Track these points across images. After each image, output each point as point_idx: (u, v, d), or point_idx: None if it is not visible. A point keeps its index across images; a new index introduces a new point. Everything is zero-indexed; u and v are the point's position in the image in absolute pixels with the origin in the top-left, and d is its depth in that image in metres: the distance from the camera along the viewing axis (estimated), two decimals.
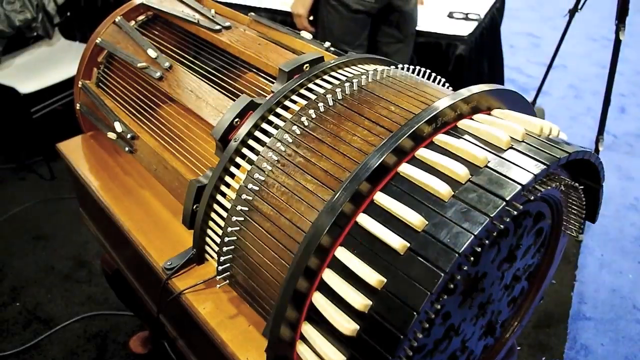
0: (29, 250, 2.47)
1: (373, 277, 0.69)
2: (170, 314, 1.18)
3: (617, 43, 2.27)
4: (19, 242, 2.50)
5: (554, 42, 3.01)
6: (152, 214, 1.19)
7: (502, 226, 0.71)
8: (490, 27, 2.59)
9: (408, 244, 0.69)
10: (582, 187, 0.91)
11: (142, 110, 1.21)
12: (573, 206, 0.98)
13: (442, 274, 0.66)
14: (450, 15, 2.54)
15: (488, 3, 2.74)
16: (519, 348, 1.99)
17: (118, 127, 1.18)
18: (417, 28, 2.33)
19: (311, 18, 2.27)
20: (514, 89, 0.91)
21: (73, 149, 1.40)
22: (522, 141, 0.79)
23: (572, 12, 2.71)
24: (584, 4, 2.62)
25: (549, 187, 0.79)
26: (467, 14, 2.53)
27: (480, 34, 2.44)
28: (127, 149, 1.18)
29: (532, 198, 0.76)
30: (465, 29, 2.40)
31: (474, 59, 2.36)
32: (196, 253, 0.99)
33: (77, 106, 1.37)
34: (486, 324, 0.99)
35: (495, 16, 2.69)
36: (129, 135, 1.16)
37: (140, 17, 1.35)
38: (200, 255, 0.99)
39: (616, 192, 2.73)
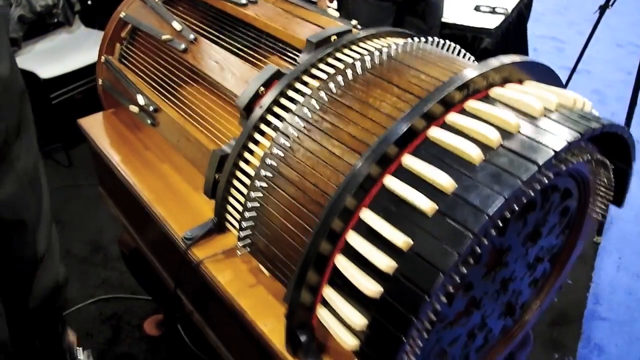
0: None
1: (400, 239, 0.69)
2: (187, 287, 1.18)
3: None
4: None
5: (578, 46, 2.98)
6: (172, 186, 1.19)
7: (532, 193, 0.70)
8: (516, 22, 2.57)
9: (436, 206, 0.68)
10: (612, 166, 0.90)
11: (164, 84, 1.21)
12: (600, 187, 0.96)
13: (471, 236, 0.65)
14: (477, 9, 2.52)
15: None
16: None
17: (140, 99, 1.18)
18: (443, 20, 2.32)
19: (334, 4, 2.29)
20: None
21: (94, 125, 1.40)
22: (555, 111, 0.78)
23: (603, 9, 2.65)
24: (615, 1, 2.57)
25: (580, 160, 0.77)
26: (494, 8, 2.51)
27: (506, 29, 2.42)
28: (149, 121, 1.18)
29: (564, 168, 0.75)
30: (491, 22, 2.38)
31: (500, 53, 2.33)
32: (217, 221, 0.98)
33: (99, 81, 1.37)
34: (506, 303, 0.98)
35: (522, 12, 2.66)
36: (151, 108, 1.16)
37: None
38: (220, 224, 0.99)
39: (637, 196, 2.70)
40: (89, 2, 2.95)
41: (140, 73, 1.27)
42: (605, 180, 0.93)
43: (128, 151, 1.30)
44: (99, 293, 2.20)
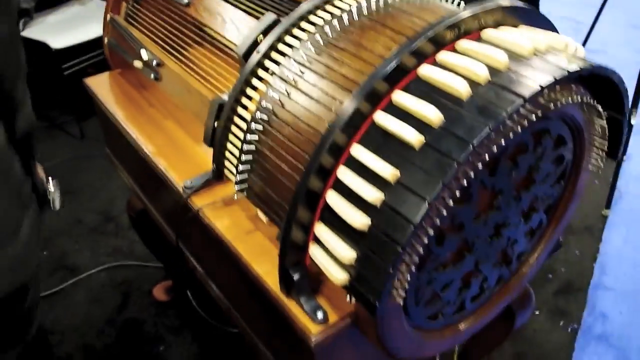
0: None
1: (387, 171, 0.70)
2: (189, 240, 1.20)
3: None
4: None
5: (596, 27, 2.94)
6: (175, 140, 1.21)
7: (519, 129, 0.71)
8: None
9: (423, 138, 0.70)
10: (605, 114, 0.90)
11: (168, 40, 1.23)
12: (595, 138, 0.97)
13: (455, 165, 0.66)
14: None
15: None
16: (537, 312, 1.98)
17: (144, 54, 1.20)
18: None
19: None
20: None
21: (100, 84, 1.43)
22: (546, 52, 0.78)
23: None
24: None
25: (570, 101, 0.78)
26: None
27: None
28: (152, 76, 1.20)
29: (552, 107, 0.75)
30: None
31: None
32: (215, 169, 1.00)
33: (105, 40, 1.39)
34: (502, 251, 0.99)
35: None
36: (154, 62, 1.18)
37: None
38: (219, 171, 1.01)
39: None
40: None
41: (145, 30, 1.29)
42: (600, 130, 0.93)
43: (133, 108, 1.32)
44: (109, 261, 2.24)
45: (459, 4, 1.01)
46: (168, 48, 1.21)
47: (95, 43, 2.76)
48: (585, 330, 1.92)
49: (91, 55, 2.79)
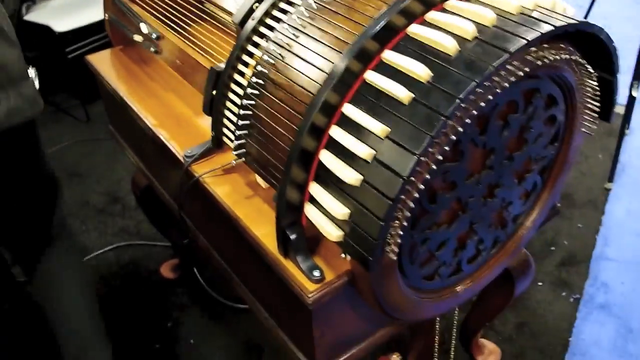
0: (65, 187, 2.56)
1: (377, 127, 0.72)
2: (191, 210, 1.23)
3: None
4: None
5: (599, 2, 2.92)
6: (176, 112, 1.23)
7: (506, 84, 0.73)
8: None
9: (412, 94, 0.71)
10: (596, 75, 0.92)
11: (167, 14, 1.24)
12: (586, 99, 0.98)
13: (442, 118, 0.68)
14: None
15: None
16: (540, 284, 2.00)
17: (144, 28, 1.22)
18: None
19: None
20: None
21: (102, 61, 1.45)
22: (533, 10, 0.79)
23: None
24: None
25: (558, 57, 0.79)
26: None
27: None
28: (152, 49, 1.22)
29: (540, 64, 0.77)
30: None
31: None
32: (215, 136, 1.02)
33: (106, 16, 1.41)
34: (497, 213, 1.01)
35: None
36: (154, 36, 1.20)
37: None
38: (218, 139, 1.03)
39: None
40: None
41: (144, 5, 1.31)
42: (591, 90, 0.95)
43: (134, 83, 1.34)
44: (116, 241, 2.27)
45: None
46: (167, 22, 1.23)
47: (99, 26, 2.77)
48: (587, 300, 1.93)
49: (95, 38, 2.81)
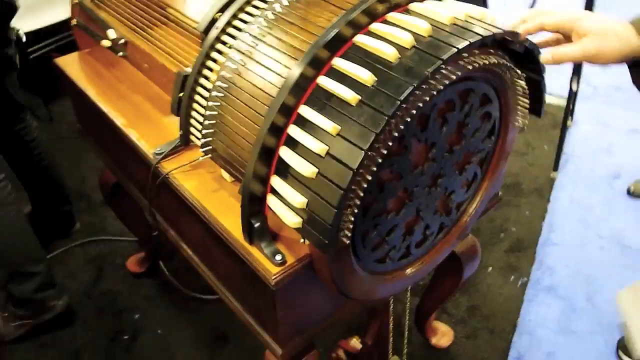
0: None
1: (329, 125, 0.82)
2: (160, 205, 1.31)
3: None
4: None
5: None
6: (144, 113, 1.30)
7: (441, 87, 0.83)
8: None
9: (359, 97, 0.81)
10: (524, 76, 1.03)
11: (133, 20, 1.32)
12: (518, 97, 1.10)
13: (386, 118, 0.78)
14: None
15: None
16: (490, 269, 2.13)
17: (111, 34, 1.29)
18: None
19: None
20: None
21: (70, 64, 1.51)
22: (465, 21, 0.90)
23: None
24: None
25: (487, 62, 0.90)
26: None
27: None
28: (120, 53, 1.29)
29: (471, 68, 0.88)
30: None
31: None
32: (183, 135, 1.10)
33: (74, 22, 1.47)
34: (441, 201, 1.12)
35: None
36: (121, 41, 1.27)
37: None
38: (186, 138, 1.11)
39: (592, 136, 2.85)
40: None
41: (111, 11, 1.38)
42: (521, 89, 1.06)
43: (103, 85, 1.41)
44: (82, 237, 2.32)
45: None
46: (134, 27, 1.30)
47: (60, 26, 2.81)
48: (534, 283, 2.08)
49: (57, 39, 2.84)
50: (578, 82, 2.47)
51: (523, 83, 1.04)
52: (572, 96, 2.53)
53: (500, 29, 0.90)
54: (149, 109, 1.32)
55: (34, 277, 1.83)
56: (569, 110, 2.55)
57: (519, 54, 0.99)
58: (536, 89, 1.09)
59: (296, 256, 0.97)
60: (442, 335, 1.88)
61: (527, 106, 1.10)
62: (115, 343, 1.94)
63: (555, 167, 2.60)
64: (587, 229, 2.32)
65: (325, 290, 1.05)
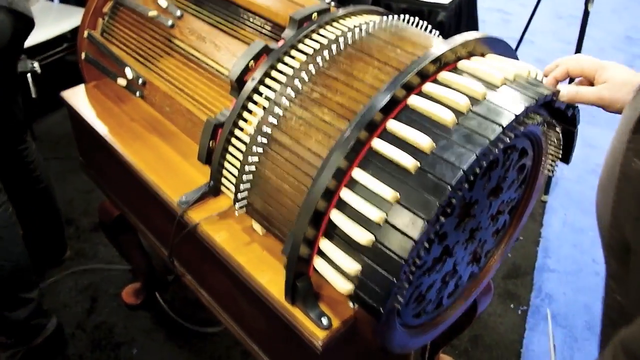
0: None
1: (388, 193, 0.80)
2: (179, 251, 1.26)
3: (586, 15, 2.41)
4: None
5: (523, 18, 3.15)
6: (162, 156, 1.26)
7: (497, 151, 0.82)
8: None
9: (418, 164, 0.80)
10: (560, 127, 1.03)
11: (149, 57, 1.27)
12: (551, 147, 1.10)
13: (449, 188, 0.77)
14: None
15: None
16: None
17: (129, 73, 1.24)
18: None
19: None
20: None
21: (77, 97, 1.45)
22: (514, 80, 0.90)
23: None
24: None
25: (534, 122, 0.90)
26: None
27: (459, 3, 2.55)
28: (137, 94, 1.25)
29: (522, 130, 0.87)
30: None
31: (453, 26, 2.48)
32: (213, 186, 1.07)
33: (83, 55, 1.42)
34: (474, 251, 1.11)
35: None
36: (140, 81, 1.23)
37: None
38: (216, 189, 1.07)
39: (579, 158, 2.88)
40: None
41: (124, 47, 1.33)
42: (555, 141, 1.06)
43: (114, 123, 1.36)
44: (73, 265, 2.25)
45: (425, 29, 1.12)
46: (152, 66, 1.26)
47: (44, 46, 2.73)
48: (533, 311, 2.10)
49: (39, 59, 2.76)
50: None
51: (560, 135, 1.04)
52: None
53: (549, 89, 0.90)
54: (168, 152, 1.27)
55: (29, 303, 1.76)
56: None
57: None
58: (567, 139, 1.09)
59: (341, 318, 0.94)
60: None
61: (560, 156, 1.10)
62: None
63: (546, 190, 2.63)
64: (582, 254, 2.35)
65: (362, 345, 1.03)
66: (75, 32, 2.89)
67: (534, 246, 2.40)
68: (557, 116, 1.02)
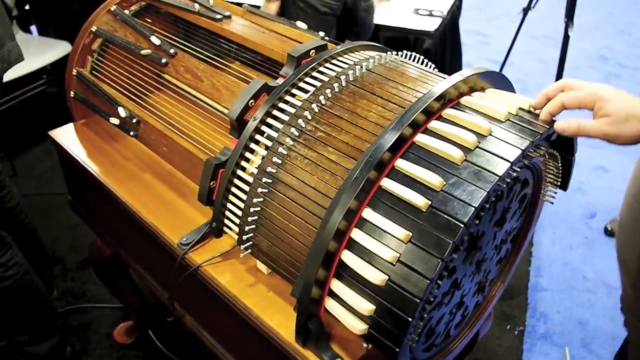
0: None
1: (400, 232, 0.79)
2: (179, 291, 1.24)
3: (566, 39, 2.46)
4: None
5: (500, 40, 3.21)
6: (159, 195, 1.24)
7: (505, 185, 0.82)
8: (451, 23, 2.76)
9: (429, 202, 0.79)
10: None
11: (141, 96, 1.26)
12: (549, 175, 1.10)
13: (462, 226, 0.76)
14: (416, 12, 2.72)
15: (449, 1, 2.93)
16: None
17: (122, 112, 1.22)
18: (387, 23, 2.50)
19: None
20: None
21: (67, 136, 1.43)
22: (516, 114, 0.90)
23: (526, 11, 2.99)
24: (536, 2, 2.84)
25: (538, 154, 0.90)
26: (431, 11, 2.71)
27: (443, 30, 2.60)
28: (131, 133, 1.23)
29: (527, 163, 0.87)
30: (431, 24, 2.57)
31: (439, 52, 2.51)
32: (216, 227, 1.05)
33: (72, 94, 1.40)
34: (479, 282, 1.11)
35: (455, 13, 2.87)
36: (134, 120, 1.21)
37: (133, 7, 1.40)
38: (219, 230, 1.06)
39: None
40: (27, 7, 2.89)
41: (116, 85, 1.32)
42: (554, 169, 1.07)
43: (107, 162, 1.34)
44: (62, 305, 2.20)
45: (421, 62, 1.12)
46: (145, 104, 1.25)
47: (23, 80, 2.71)
48: (530, 331, 2.10)
49: (18, 93, 2.74)
50: None
51: (559, 164, 1.05)
52: None
53: (544, 127, 0.90)
54: (164, 191, 1.26)
55: (54, 334, 1.84)
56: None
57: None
58: (565, 166, 1.10)
59: (353, 357, 0.93)
60: None
61: (558, 183, 1.11)
62: None
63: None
64: (573, 272, 2.37)
65: None
66: (55, 64, 2.87)
67: (526, 265, 2.41)
68: (555, 144, 1.03)
